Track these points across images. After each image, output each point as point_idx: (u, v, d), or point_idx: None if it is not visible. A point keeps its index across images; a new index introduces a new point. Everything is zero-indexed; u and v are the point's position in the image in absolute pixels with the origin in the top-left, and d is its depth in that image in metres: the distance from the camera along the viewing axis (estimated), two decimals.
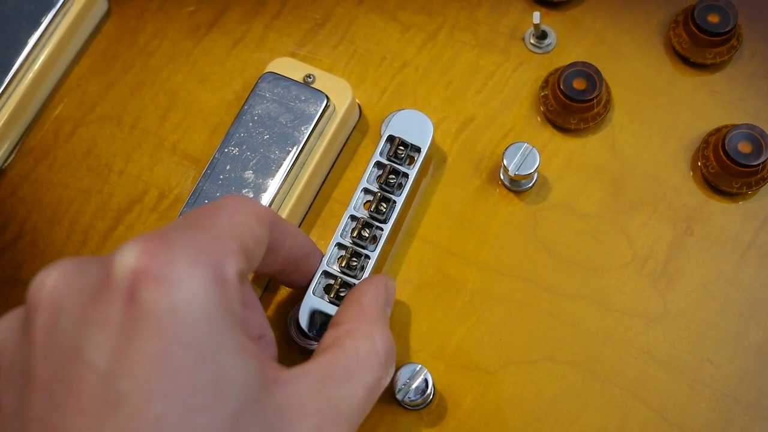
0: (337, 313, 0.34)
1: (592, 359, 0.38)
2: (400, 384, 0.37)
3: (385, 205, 0.39)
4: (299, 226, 0.41)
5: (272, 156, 0.39)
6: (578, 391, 0.38)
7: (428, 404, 0.38)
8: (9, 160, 0.44)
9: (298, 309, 0.37)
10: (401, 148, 0.40)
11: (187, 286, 0.26)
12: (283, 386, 0.28)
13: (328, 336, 0.32)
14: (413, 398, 0.37)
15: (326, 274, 0.38)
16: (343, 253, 0.38)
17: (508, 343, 0.39)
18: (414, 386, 0.37)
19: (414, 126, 0.40)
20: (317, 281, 0.37)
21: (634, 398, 0.38)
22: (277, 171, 0.39)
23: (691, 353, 0.38)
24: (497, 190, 0.41)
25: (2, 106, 0.43)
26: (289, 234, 0.33)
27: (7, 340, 0.28)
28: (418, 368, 0.37)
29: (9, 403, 0.27)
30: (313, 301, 0.37)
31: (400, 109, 0.41)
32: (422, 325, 0.39)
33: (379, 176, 0.39)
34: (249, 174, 0.39)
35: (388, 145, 0.40)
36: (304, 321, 0.37)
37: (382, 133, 0.40)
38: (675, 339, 0.38)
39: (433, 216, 0.41)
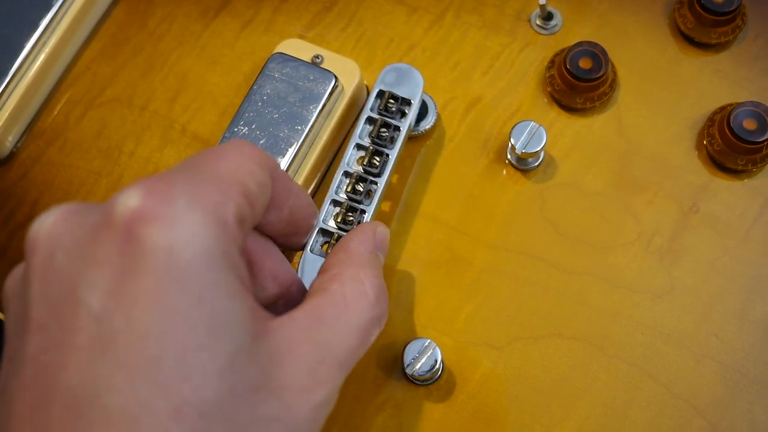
0: (325, 260, 0.34)
1: (599, 335, 0.39)
2: (409, 359, 0.37)
3: (378, 159, 0.39)
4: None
5: (281, 135, 0.40)
6: (586, 367, 0.38)
7: (437, 379, 0.38)
8: (20, 143, 0.44)
9: (298, 269, 0.37)
10: (391, 101, 0.40)
11: (185, 226, 0.25)
12: (273, 332, 0.28)
13: (316, 282, 0.32)
14: (422, 373, 0.37)
15: (323, 231, 0.37)
16: (338, 209, 0.38)
17: (515, 320, 0.39)
18: (423, 361, 0.37)
19: (404, 80, 0.40)
20: (314, 239, 0.37)
21: (642, 373, 0.38)
22: (287, 150, 0.40)
23: (698, 328, 0.39)
24: (504, 169, 0.42)
25: (13, 90, 0.43)
26: (293, 191, 0.32)
27: (13, 288, 0.28)
28: (427, 343, 0.37)
29: (12, 344, 0.27)
30: (312, 259, 0.37)
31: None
32: (431, 302, 0.40)
33: (371, 131, 0.39)
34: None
35: (378, 100, 0.40)
36: (305, 281, 0.36)
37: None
38: (681, 314, 0.39)
39: (440, 195, 0.41)
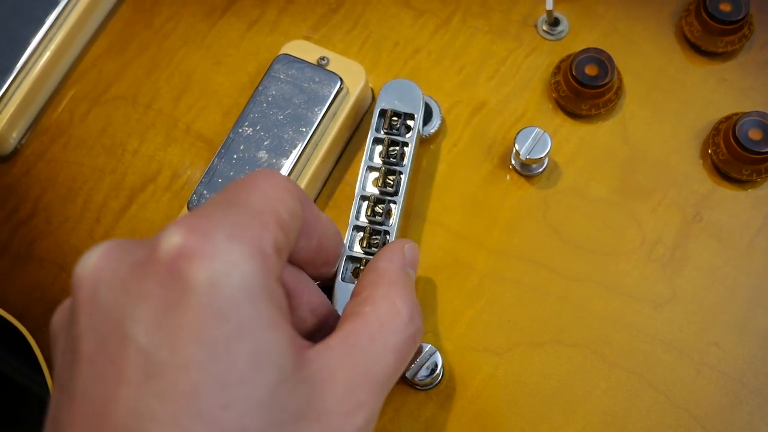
0: (356, 283, 0.34)
1: (600, 342, 0.39)
2: (410, 363, 0.37)
3: (392, 178, 0.39)
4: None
5: (286, 136, 0.40)
6: (586, 374, 0.38)
7: (437, 384, 0.38)
8: (24, 139, 0.44)
9: (331, 299, 0.37)
10: (395, 119, 0.40)
11: (225, 259, 0.26)
12: (312, 361, 0.28)
13: (348, 306, 0.32)
14: (422, 378, 0.37)
15: (351, 258, 0.38)
16: (361, 234, 0.38)
17: (516, 325, 0.39)
18: (424, 366, 0.37)
19: (402, 95, 0.40)
20: (344, 267, 0.37)
21: (642, 381, 0.38)
22: (291, 151, 0.40)
23: (699, 337, 0.39)
24: (508, 175, 0.42)
25: (19, 86, 0.43)
26: (321, 219, 0.33)
27: (61, 322, 0.29)
28: (427, 348, 0.37)
29: (62, 377, 0.28)
30: (344, 287, 0.37)
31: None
32: (432, 306, 0.39)
33: (380, 152, 0.39)
34: (263, 154, 0.40)
35: (381, 120, 0.40)
36: (339, 310, 0.37)
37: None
38: (683, 323, 0.39)
39: (444, 199, 0.41)
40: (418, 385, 0.38)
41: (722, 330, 0.39)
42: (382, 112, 0.40)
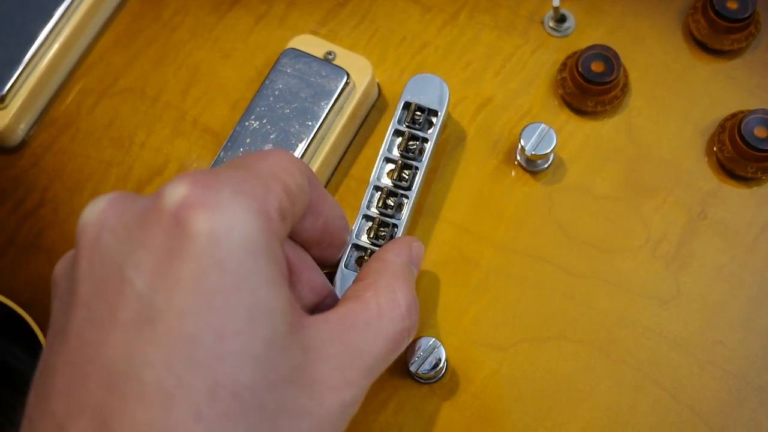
0: (361, 269, 0.35)
1: (604, 339, 0.39)
2: (413, 357, 0.37)
3: (407, 173, 0.39)
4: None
5: (292, 130, 0.40)
6: (590, 370, 0.38)
7: (440, 378, 0.38)
8: (32, 131, 0.44)
9: (333, 285, 0.37)
10: (418, 113, 0.40)
11: (229, 213, 0.26)
12: (307, 329, 0.29)
13: (351, 289, 0.33)
14: (426, 371, 0.37)
15: (356, 246, 0.38)
16: (370, 224, 0.39)
17: (521, 321, 0.39)
18: (427, 360, 0.37)
19: (429, 90, 0.40)
20: (348, 254, 0.38)
21: (646, 378, 0.38)
22: (297, 145, 0.40)
23: (703, 335, 0.39)
24: (514, 171, 0.42)
25: (27, 78, 0.43)
26: (328, 200, 0.33)
27: (63, 270, 0.29)
28: (431, 342, 0.37)
29: (57, 321, 0.28)
30: (346, 274, 0.37)
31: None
32: (437, 301, 0.40)
33: (399, 144, 0.40)
34: (269, 147, 0.40)
35: (405, 112, 0.40)
36: (340, 295, 0.37)
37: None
38: (687, 321, 0.39)
39: (449, 195, 0.41)
40: (421, 379, 0.38)
41: (727, 328, 0.39)
42: (407, 105, 0.40)
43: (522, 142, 0.40)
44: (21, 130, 0.44)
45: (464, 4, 0.45)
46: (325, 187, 0.42)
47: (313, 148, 0.40)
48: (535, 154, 0.40)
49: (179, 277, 0.26)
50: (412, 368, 0.37)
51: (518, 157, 0.42)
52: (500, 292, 0.40)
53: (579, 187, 0.41)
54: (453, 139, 0.42)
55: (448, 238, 0.41)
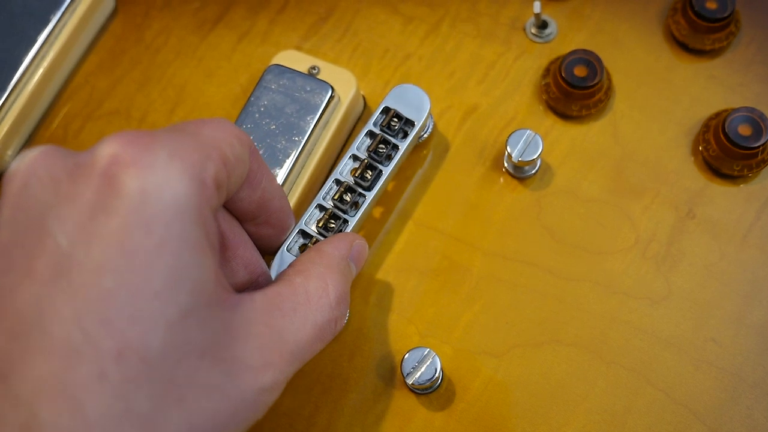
0: (298, 257, 0.34)
1: (597, 341, 0.39)
2: (408, 368, 0.37)
3: (370, 173, 0.39)
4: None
5: (279, 146, 0.40)
6: (584, 373, 0.38)
7: (437, 388, 0.38)
8: None
9: (270, 264, 0.37)
10: (395, 120, 0.40)
11: (162, 174, 0.26)
12: (232, 305, 0.28)
13: (282, 273, 0.32)
14: (422, 382, 0.37)
15: (303, 233, 0.38)
16: (322, 215, 0.38)
17: (514, 327, 0.39)
18: (422, 370, 0.37)
19: (412, 101, 0.40)
20: (293, 239, 0.37)
21: (640, 379, 0.38)
22: (285, 161, 0.40)
23: (696, 333, 0.39)
24: (501, 177, 0.42)
25: (13, 103, 0.43)
26: (266, 175, 0.33)
27: None
28: (426, 352, 0.37)
29: None
30: (287, 258, 0.37)
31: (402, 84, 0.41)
32: (429, 311, 0.40)
33: (369, 145, 0.40)
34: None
35: (383, 116, 0.40)
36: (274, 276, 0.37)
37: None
38: (679, 320, 0.39)
39: (438, 203, 0.42)
40: (418, 390, 0.38)
41: (719, 325, 0.39)
42: (386, 110, 0.40)
43: (509, 148, 0.40)
44: (8, 155, 0.44)
45: (445, 13, 0.45)
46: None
47: (301, 162, 0.40)
48: (522, 161, 0.40)
49: (102, 232, 0.25)
50: (408, 380, 0.37)
51: (505, 164, 0.42)
52: (492, 298, 0.40)
53: (567, 191, 0.41)
54: (440, 148, 0.43)
55: (439, 246, 0.41)
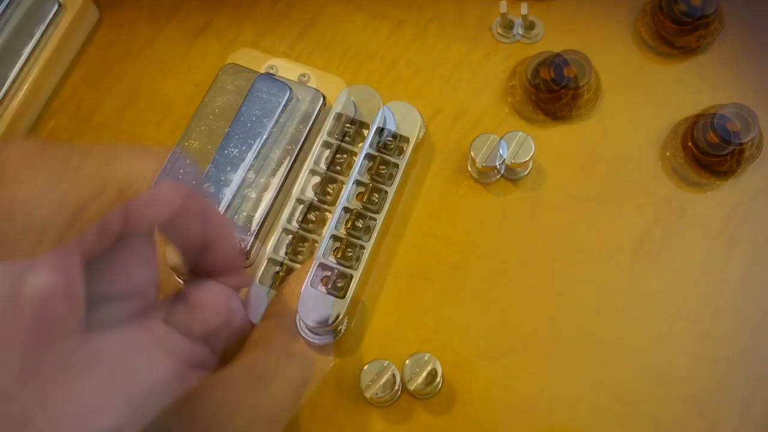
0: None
1: (595, 340, 0.39)
2: (408, 374, 0.37)
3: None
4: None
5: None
6: (584, 372, 0.39)
7: (437, 393, 0.38)
8: None
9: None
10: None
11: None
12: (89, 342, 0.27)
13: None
14: (423, 387, 0.37)
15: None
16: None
17: (512, 329, 0.39)
18: (423, 376, 0.37)
19: (402, 117, 0.40)
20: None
21: (639, 375, 0.38)
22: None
23: (692, 329, 0.39)
24: (494, 180, 0.42)
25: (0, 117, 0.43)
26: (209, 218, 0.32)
27: None
28: (426, 358, 0.37)
29: None
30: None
31: (384, 101, 0.41)
32: (427, 316, 0.40)
33: (370, 168, 0.39)
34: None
35: (377, 138, 0.40)
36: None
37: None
38: (675, 316, 0.39)
39: (431, 208, 0.42)
40: (418, 395, 0.38)
41: (714, 320, 0.39)
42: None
43: (500, 151, 0.40)
44: None
45: (432, 17, 0.45)
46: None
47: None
48: (514, 163, 0.40)
49: None
50: (409, 386, 0.37)
51: (498, 166, 0.42)
52: (489, 301, 0.40)
53: (559, 192, 0.42)
54: (431, 153, 0.43)
55: (434, 251, 0.41)
